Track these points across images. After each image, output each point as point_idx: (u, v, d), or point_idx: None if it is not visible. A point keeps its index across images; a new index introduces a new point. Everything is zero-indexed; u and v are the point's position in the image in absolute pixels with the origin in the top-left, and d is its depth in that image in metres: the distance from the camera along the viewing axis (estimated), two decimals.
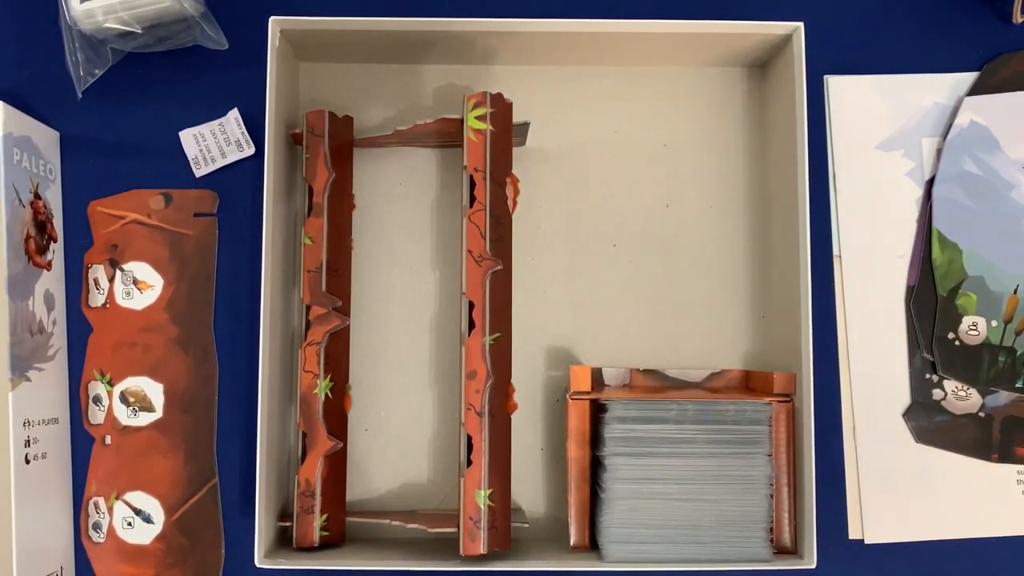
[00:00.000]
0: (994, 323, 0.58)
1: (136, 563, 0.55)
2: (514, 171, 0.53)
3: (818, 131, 0.59)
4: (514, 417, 0.52)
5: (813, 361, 0.51)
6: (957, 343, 0.58)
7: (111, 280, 0.57)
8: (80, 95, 0.56)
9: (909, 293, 0.58)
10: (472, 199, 0.51)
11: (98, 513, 0.56)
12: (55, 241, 0.56)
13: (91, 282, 0.57)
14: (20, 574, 0.50)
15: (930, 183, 0.59)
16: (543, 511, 0.56)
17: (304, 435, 0.52)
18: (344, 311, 0.55)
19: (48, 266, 0.55)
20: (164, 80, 0.58)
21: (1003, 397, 0.58)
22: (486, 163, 0.51)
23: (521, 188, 0.55)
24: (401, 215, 0.58)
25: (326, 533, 0.52)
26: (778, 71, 0.56)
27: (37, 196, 0.55)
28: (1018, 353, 0.58)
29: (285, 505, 0.55)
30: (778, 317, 0.56)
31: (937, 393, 0.58)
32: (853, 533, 0.57)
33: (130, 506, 0.56)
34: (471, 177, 0.51)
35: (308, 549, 0.51)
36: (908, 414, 0.58)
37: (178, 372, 0.57)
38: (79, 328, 0.57)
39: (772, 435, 0.51)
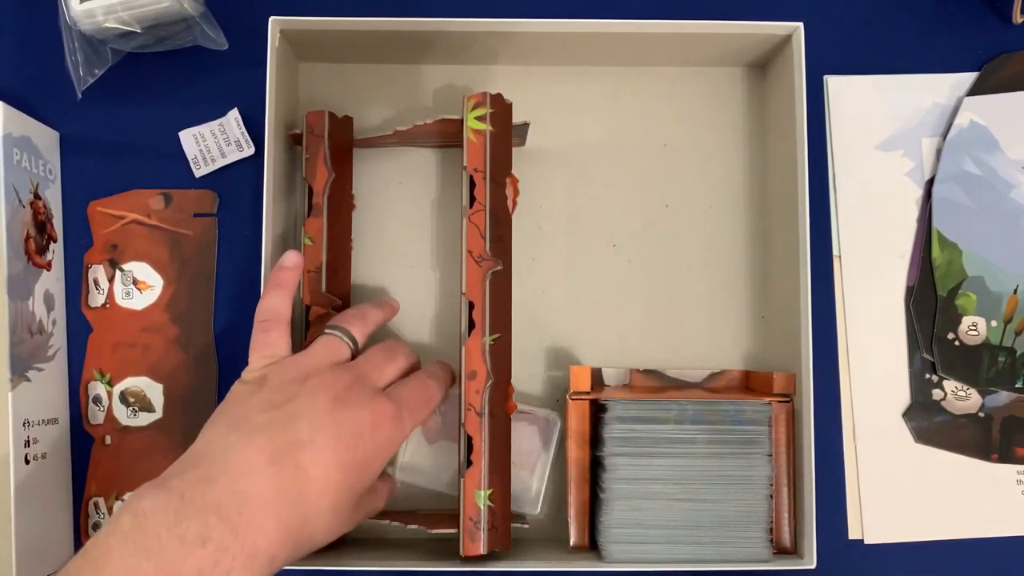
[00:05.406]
0: (994, 323, 0.58)
1: None
2: (514, 171, 0.53)
3: (818, 131, 0.59)
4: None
5: (813, 361, 0.51)
6: (957, 343, 0.58)
7: (111, 280, 0.57)
8: (80, 95, 0.55)
9: (909, 293, 0.58)
10: (472, 199, 0.51)
11: (98, 513, 0.56)
12: (55, 241, 0.56)
13: (91, 282, 0.57)
14: (20, 574, 0.50)
15: (930, 183, 0.59)
16: (543, 511, 0.56)
17: None
18: None
19: (48, 266, 0.55)
20: (164, 80, 0.58)
21: (1003, 397, 0.58)
22: (486, 163, 0.51)
23: (521, 188, 0.55)
24: (401, 215, 0.58)
25: None
26: (778, 71, 0.56)
27: (37, 196, 0.55)
28: (1018, 353, 0.58)
29: None
30: (778, 317, 0.56)
31: (937, 393, 0.58)
32: (853, 533, 0.57)
33: None
34: (471, 177, 0.51)
35: None
36: (908, 414, 0.58)
37: (178, 372, 0.57)
38: (79, 328, 0.57)
39: (772, 435, 0.51)
